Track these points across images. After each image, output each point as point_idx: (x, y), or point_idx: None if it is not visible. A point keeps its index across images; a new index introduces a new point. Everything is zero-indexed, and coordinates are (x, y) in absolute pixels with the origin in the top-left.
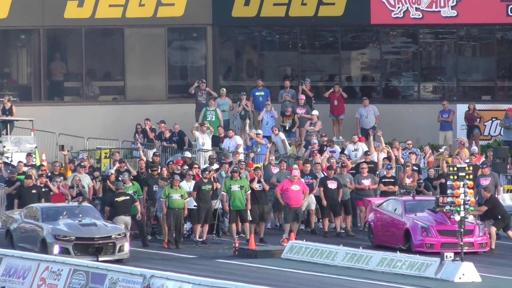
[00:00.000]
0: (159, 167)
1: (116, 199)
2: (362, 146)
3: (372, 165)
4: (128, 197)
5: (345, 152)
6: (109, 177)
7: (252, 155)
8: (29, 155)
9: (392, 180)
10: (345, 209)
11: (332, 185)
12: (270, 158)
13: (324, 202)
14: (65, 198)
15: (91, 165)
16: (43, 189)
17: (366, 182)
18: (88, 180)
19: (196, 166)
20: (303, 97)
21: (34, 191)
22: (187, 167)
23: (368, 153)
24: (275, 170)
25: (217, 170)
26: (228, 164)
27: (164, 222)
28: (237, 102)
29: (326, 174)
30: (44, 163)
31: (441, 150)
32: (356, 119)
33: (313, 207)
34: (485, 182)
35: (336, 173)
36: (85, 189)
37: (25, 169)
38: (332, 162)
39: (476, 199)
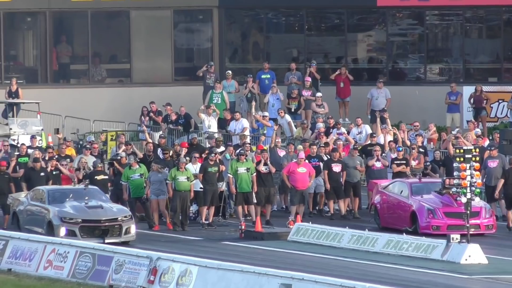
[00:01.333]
0: (171, 150)
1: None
2: (366, 129)
3: (378, 147)
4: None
5: (350, 135)
6: (120, 160)
7: (263, 138)
8: (33, 137)
9: (404, 161)
10: (354, 191)
11: (336, 168)
12: (277, 140)
13: (328, 185)
14: (71, 181)
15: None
16: (54, 172)
17: (378, 165)
18: (92, 162)
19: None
20: (309, 79)
21: (42, 174)
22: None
23: (374, 135)
24: (281, 152)
25: (221, 152)
26: (232, 147)
27: (152, 205)
28: (244, 85)
29: (330, 157)
30: (51, 145)
31: (453, 133)
32: (367, 100)
33: (322, 190)
34: (493, 164)
35: (345, 155)
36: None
37: (29, 151)
38: (338, 144)
39: (483, 181)
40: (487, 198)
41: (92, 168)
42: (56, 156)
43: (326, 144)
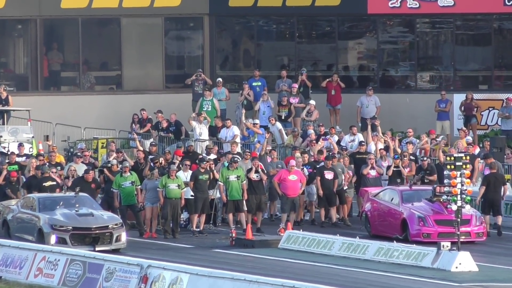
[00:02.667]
0: (160, 158)
1: (43, 183)
2: (359, 137)
3: (366, 155)
4: (54, 183)
5: (341, 143)
6: (110, 168)
7: (258, 145)
8: (20, 145)
9: (398, 169)
10: (340, 198)
11: (329, 175)
12: (267, 148)
13: (321, 192)
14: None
15: (90, 155)
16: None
17: (373, 173)
18: (83, 170)
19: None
20: (296, 86)
21: (46, 184)
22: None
23: (363, 143)
24: (269, 159)
25: (215, 160)
26: (230, 154)
27: (146, 213)
28: (239, 92)
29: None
30: (42, 153)
31: (438, 140)
32: (357, 107)
33: (314, 198)
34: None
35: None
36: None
37: (18, 159)
38: (323, 153)
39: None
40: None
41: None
42: (47, 164)
43: (320, 152)
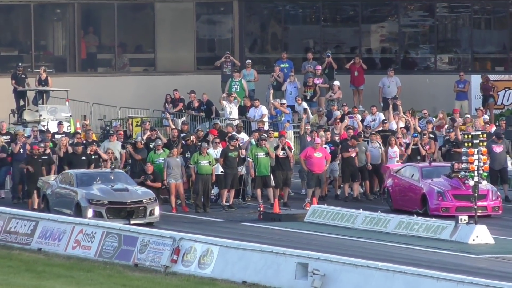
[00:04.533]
0: (192, 136)
1: (82, 158)
2: (380, 116)
3: (390, 133)
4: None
5: (364, 122)
6: (135, 144)
7: (287, 124)
8: (60, 123)
9: (417, 147)
10: (362, 175)
11: (352, 153)
12: (306, 127)
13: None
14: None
15: (124, 132)
16: (93, 156)
17: (393, 155)
18: (120, 147)
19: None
20: (320, 67)
21: (83, 157)
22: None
23: (386, 121)
24: (309, 139)
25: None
26: (257, 133)
27: (172, 189)
28: (271, 73)
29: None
30: (79, 131)
31: (460, 119)
32: (378, 88)
33: (336, 174)
34: (498, 149)
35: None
36: (117, 156)
37: (57, 137)
38: (349, 131)
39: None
40: (491, 181)
41: (117, 158)
42: (84, 141)
43: (346, 128)
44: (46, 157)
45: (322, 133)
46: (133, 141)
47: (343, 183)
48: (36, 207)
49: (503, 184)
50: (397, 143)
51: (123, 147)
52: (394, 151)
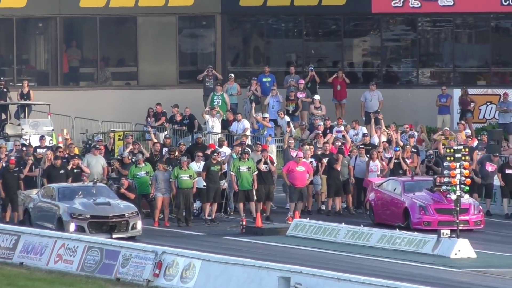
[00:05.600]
0: (176, 150)
1: (60, 172)
2: (362, 130)
3: (370, 147)
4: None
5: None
6: (122, 160)
7: (270, 138)
8: (42, 138)
9: (399, 161)
10: (345, 189)
11: (337, 167)
12: (290, 141)
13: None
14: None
15: (105, 147)
16: (75, 170)
17: (374, 168)
18: (102, 161)
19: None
20: (303, 81)
21: (62, 171)
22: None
23: (366, 135)
24: (293, 153)
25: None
26: (239, 147)
27: (158, 203)
28: (247, 87)
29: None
30: (61, 145)
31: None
32: (360, 102)
33: (318, 188)
34: (491, 168)
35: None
36: (100, 170)
37: (39, 151)
38: (336, 144)
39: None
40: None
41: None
42: (66, 155)
43: (325, 143)
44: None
45: (306, 146)
46: (119, 157)
47: (328, 197)
48: (9, 219)
49: (486, 199)
50: (379, 157)
51: (109, 164)
52: (376, 164)
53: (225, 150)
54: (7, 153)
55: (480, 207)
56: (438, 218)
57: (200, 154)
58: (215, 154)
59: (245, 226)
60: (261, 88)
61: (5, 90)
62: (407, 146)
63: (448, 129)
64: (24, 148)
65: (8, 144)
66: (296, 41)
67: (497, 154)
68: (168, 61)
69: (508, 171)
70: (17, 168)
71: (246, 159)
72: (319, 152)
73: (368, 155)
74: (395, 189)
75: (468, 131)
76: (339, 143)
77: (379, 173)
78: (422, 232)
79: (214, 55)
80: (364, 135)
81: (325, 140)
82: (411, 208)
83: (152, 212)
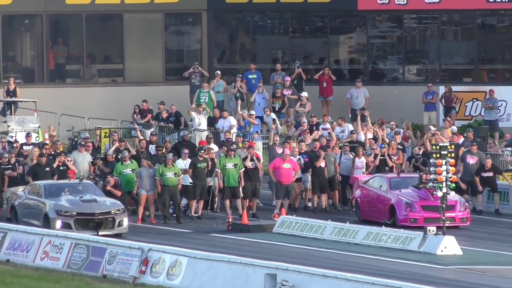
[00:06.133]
0: (164, 146)
1: (46, 169)
2: (349, 127)
3: (357, 145)
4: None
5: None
6: (105, 158)
7: (256, 135)
8: (28, 135)
9: (385, 158)
10: (331, 185)
11: (321, 163)
12: (275, 138)
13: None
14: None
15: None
16: (61, 168)
17: (360, 165)
18: (89, 158)
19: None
20: (288, 78)
21: (47, 169)
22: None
23: (354, 132)
24: (279, 150)
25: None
26: (226, 147)
27: (142, 200)
28: (232, 84)
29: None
30: (47, 142)
31: (432, 128)
32: (347, 99)
33: (307, 185)
34: (472, 160)
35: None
36: (86, 167)
37: (26, 148)
38: (322, 140)
39: (459, 176)
40: (461, 191)
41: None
42: (53, 152)
43: (315, 140)
44: (10, 167)
45: (294, 144)
46: (102, 155)
47: (313, 194)
48: None
49: (472, 196)
50: (364, 154)
51: (93, 163)
52: (361, 161)
53: (213, 147)
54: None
55: (467, 204)
56: (424, 215)
57: (186, 151)
58: (202, 151)
59: (232, 223)
60: (247, 85)
61: None
62: (393, 143)
63: (434, 129)
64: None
65: None
66: (282, 38)
67: (474, 143)
68: (154, 58)
69: (484, 174)
70: (10, 166)
71: (232, 156)
72: (306, 149)
73: (354, 153)
74: (381, 186)
75: (454, 128)
76: (325, 140)
77: (364, 170)
78: (408, 229)
79: (200, 52)
80: (351, 132)
81: (312, 136)
82: (397, 205)
83: (138, 209)
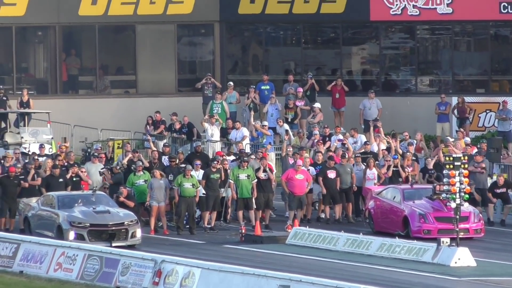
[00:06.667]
0: (177, 158)
1: (59, 180)
2: (361, 138)
3: (371, 155)
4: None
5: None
6: (112, 169)
7: (269, 146)
8: (41, 146)
9: (398, 169)
10: (346, 197)
11: (331, 174)
12: (288, 149)
13: (324, 190)
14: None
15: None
16: (74, 179)
17: (371, 176)
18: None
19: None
20: (301, 89)
21: (61, 180)
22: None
23: (368, 143)
24: (291, 161)
25: (232, 161)
26: (239, 158)
27: (154, 211)
28: (246, 95)
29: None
30: (59, 153)
31: (450, 139)
32: (359, 110)
33: (320, 196)
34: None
35: (336, 163)
36: (99, 179)
37: (40, 159)
38: (338, 152)
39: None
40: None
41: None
42: (66, 163)
43: (328, 149)
44: (22, 177)
45: (306, 154)
46: (109, 166)
47: (323, 205)
48: (11, 228)
49: (485, 206)
50: (376, 165)
51: (100, 173)
52: (373, 173)
53: (230, 158)
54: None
55: (480, 216)
56: (437, 226)
57: (198, 162)
58: (215, 162)
59: (245, 234)
60: (260, 96)
61: (4, 98)
62: (408, 154)
63: (452, 140)
64: (27, 156)
65: (8, 152)
66: (295, 49)
67: (477, 154)
68: (167, 69)
69: (497, 190)
70: (22, 176)
71: (246, 167)
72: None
73: (365, 163)
74: (394, 197)
75: (468, 139)
76: (341, 152)
77: (376, 181)
78: (421, 241)
79: (213, 63)
80: (365, 143)
81: (326, 147)
82: (410, 216)
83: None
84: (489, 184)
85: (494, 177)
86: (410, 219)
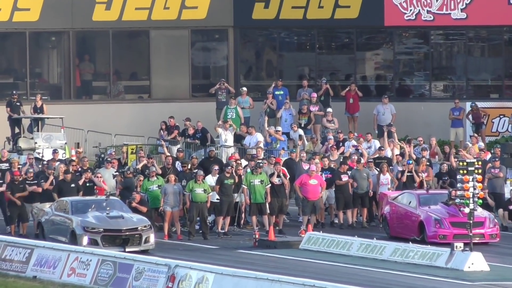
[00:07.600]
0: (189, 163)
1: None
2: (375, 144)
3: (386, 161)
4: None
5: (359, 150)
6: (124, 173)
7: (283, 152)
8: (55, 151)
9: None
10: (362, 202)
11: (344, 179)
12: (302, 155)
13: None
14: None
15: (118, 160)
16: (88, 184)
17: (385, 181)
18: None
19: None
20: (315, 95)
21: (73, 185)
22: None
23: (382, 148)
24: (306, 166)
25: (245, 166)
26: (253, 161)
27: (167, 217)
28: (263, 100)
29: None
30: (74, 158)
31: (470, 144)
32: (373, 115)
33: (332, 201)
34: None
35: (352, 168)
36: (113, 184)
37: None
38: (353, 158)
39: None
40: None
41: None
42: (79, 169)
43: (344, 157)
44: (35, 182)
45: (317, 160)
46: (122, 170)
47: (337, 210)
48: (23, 232)
49: (497, 211)
50: (389, 170)
51: (113, 176)
52: (386, 178)
53: (244, 163)
54: (20, 166)
55: (496, 221)
56: (453, 231)
57: (216, 167)
58: (229, 167)
59: (258, 239)
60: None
61: (18, 103)
62: (423, 159)
63: (471, 145)
64: (45, 162)
65: (22, 157)
66: (309, 54)
67: (497, 159)
68: (180, 75)
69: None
70: (35, 181)
71: (259, 173)
72: (332, 165)
73: (378, 169)
74: (410, 202)
75: (482, 144)
76: (356, 157)
77: (389, 186)
78: (435, 245)
79: (227, 68)
80: (379, 148)
81: (340, 152)
82: (426, 221)
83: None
84: (505, 190)
85: (508, 182)
86: (426, 224)
